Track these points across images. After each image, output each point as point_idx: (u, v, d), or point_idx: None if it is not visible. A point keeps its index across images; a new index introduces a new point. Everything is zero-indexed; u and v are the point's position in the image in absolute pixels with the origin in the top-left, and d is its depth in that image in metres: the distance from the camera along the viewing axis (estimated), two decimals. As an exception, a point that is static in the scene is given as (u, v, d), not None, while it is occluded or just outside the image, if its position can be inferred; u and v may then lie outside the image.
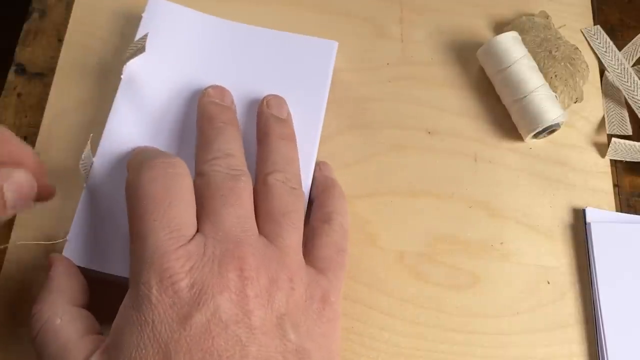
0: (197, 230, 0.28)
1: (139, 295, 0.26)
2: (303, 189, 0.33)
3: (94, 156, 0.33)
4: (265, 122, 0.34)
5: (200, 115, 0.34)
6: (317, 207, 0.34)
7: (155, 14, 0.37)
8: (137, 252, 0.27)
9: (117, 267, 0.31)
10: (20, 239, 0.34)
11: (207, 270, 0.27)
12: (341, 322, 0.34)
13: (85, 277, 0.31)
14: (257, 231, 0.29)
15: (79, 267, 0.31)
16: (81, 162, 0.31)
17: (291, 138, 0.34)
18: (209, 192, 0.29)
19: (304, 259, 0.31)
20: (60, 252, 0.31)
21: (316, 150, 0.36)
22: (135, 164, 0.30)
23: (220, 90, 0.35)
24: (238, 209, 0.29)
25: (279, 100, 0.35)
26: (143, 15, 0.36)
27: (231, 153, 0.31)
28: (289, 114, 0.35)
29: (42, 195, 0.29)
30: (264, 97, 0.35)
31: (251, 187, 0.31)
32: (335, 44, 0.38)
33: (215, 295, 0.26)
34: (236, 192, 0.30)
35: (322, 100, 0.37)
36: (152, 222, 0.27)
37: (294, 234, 0.30)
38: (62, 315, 0.28)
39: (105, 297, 0.29)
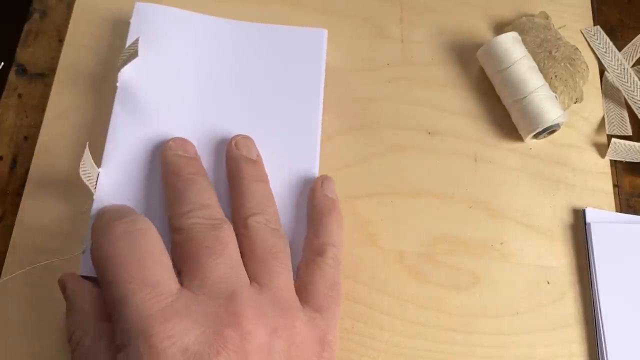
0: (182, 287, 0.27)
1: None
2: (309, 185, 0.34)
3: (99, 167, 0.33)
4: (236, 164, 0.33)
5: (165, 169, 0.32)
6: (311, 236, 0.33)
7: (143, 18, 0.36)
8: (120, 319, 0.26)
9: None
10: (21, 238, 0.34)
11: (199, 331, 0.25)
12: (341, 322, 0.34)
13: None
14: (248, 280, 0.28)
15: (96, 278, 0.31)
16: (82, 171, 0.31)
17: (265, 179, 0.33)
18: (192, 245, 0.28)
19: (298, 295, 0.30)
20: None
21: (319, 136, 0.36)
22: (96, 230, 0.29)
23: (182, 141, 0.33)
24: (226, 259, 0.28)
25: (248, 140, 0.34)
26: (130, 21, 0.36)
27: (207, 203, 0.30)
28: (258, 155, 0.34)
29: None
30: (232, 138, 0.34)
31: (234, 235, 0.30)
32: (325, 32, 0.38)
33: (212, 358, 0.24)
34: (222, 242, 0.28)
35: (319, 88, 0.37)
36: (127, 285, 0.26)
37: (284, 275, 0.29)
38: (91, 334, 0.27)
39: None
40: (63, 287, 0.29)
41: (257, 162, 0.34)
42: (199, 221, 0.29)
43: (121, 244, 0.27)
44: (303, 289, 0.30)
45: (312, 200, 0.34)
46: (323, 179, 0.35)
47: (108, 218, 0.29)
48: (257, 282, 0.28)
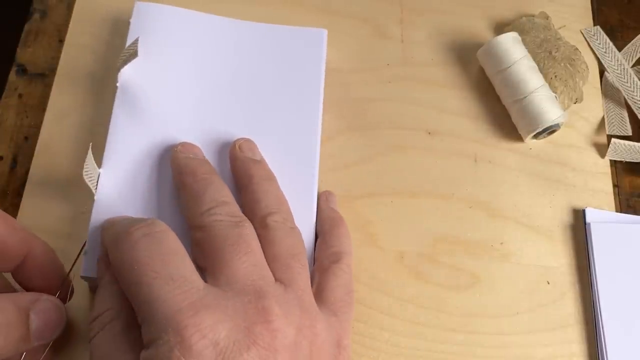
0: (207, 284, 0.27)
1: (158, 357, 0.24)
2: (309, 185, 0.34)
3: (100, 167, 0.33)
4: (244, 166, 0.33)
5: (179, 171, 0.32)
6: (324, 245, 0.33)
7: (143, 17, 0.36)
8: (148, 317, 0.25)
9: None
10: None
11: (230, 325, 0.25)
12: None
13: None
14: (273, 278, 0.28)
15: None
16: (85, 172, 0.31)
17: (274, 178, 0.34)
18: (216, 243, 0.28)
19: (315, 299, 0.30)
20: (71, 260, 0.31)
21: (319, 136, 0.36)
22: (110, 240, 0.29)
23: (191, 145, 0.34)
24: (251, 257, 0.28)
25: (251, 144, 0.34)
26: (130, 20, 0.36)
27: (226, 200, 0.30)
28: (262, 157, 0.34)
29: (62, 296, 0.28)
30: (235, 142, 0.34)
31: (255, 233, 0.30)
32: (325, 32, 0.38)
33: (242, 353, 0.24)
34: (245, 240, 0.29)
35: (319, 88, 0.37)
36: (152, 281, 0.25)
37: (304, 276, 0.30)
38: (124, 319, 0.26)
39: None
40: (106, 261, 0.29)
41: (262, 162, 0.34)
42: (221, 218, 0.29)
43: (142, 246, 0.27)
44: (320, 293, 0.31)
45: (320, 214, 0.35)
46: (327, 194, 0.36)
47: (123, 225, 0.29)
48: (280, 282, 0.29)
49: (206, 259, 0.28)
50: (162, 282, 0.25)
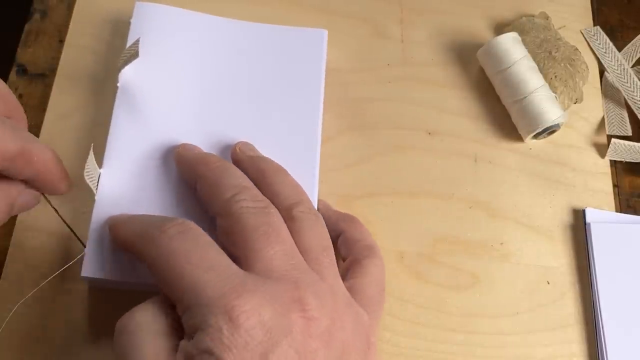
0: (245, 271, 0.27)
1: (205, 341, 0.24)
2: (310, 185, 0.34)
3: (100, 168, 0.33)
4: (252, 163, 0.33)
5: (190, 163, 0.33)
6: (351, 239, 0.33)
7: (144, 18, 0.36)
8: (193, 302, 0.25)
9: (137, 274, 0.31)
10: (21, 237, 0.34)
11: (270, 310, 0.25)
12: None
13: (104, 288, 0.30)
14: (306, 265, 0.29)
15: (98, 279, 0.31)
16: (86, 173, 0.31)
17: (284, 169, 0.33)
18: (246, 232, 0.28)
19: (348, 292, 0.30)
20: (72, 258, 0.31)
21: (319, 136, 0.36)
22: (139, 237, 0.29)
23: (192, 145, 0.34)
24: (282, 245, 0.28)
25: (249, 145, 0.35)
26: (131, 21, 0.36)
27: (247, 185, 0.30)
28: (263, 155, 0.34)
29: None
30: (235, 145, 0.34)
31: (282, 219, 0.30)
32: (325, 32, 0.38)
33: (286, 336, 0.25)
34: (275, 228, 0.29)
35: (319, 89, 0.37)
36: (194, 271, 0.26)
37: (333, 270, 0.30)
38: (160, 323, 0.27)
39: (127, 307, 0.28)
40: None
41: (267, 158, 0.34)
42: (246, 204, 0.29)
43: (179, 242, 0.27)
44: (352, 288, 0.31)
45: (329, 215, 0.34)
46: (322, 202, 0.36)
47: (151, 224, 0.29)
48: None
49: (237, 248, 0.28)
50: (202, 271, 0.26)
